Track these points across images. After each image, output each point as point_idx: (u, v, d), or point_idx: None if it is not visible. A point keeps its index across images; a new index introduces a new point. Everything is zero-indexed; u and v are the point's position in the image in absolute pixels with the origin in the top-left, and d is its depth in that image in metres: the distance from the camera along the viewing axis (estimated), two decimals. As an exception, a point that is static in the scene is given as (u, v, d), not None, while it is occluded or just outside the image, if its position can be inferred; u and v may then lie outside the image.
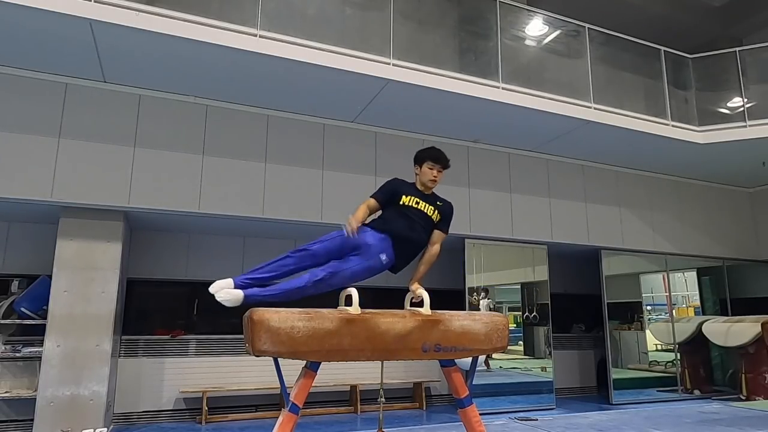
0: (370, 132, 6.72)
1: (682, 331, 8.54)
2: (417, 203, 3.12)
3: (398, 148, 6.66)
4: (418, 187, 3.22)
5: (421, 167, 3.23)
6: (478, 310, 7.20)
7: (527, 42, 7.34)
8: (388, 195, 3.14)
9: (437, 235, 3.18)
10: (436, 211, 3.16)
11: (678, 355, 8.58)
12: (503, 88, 6.24)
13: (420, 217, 3.11)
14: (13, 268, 6.05)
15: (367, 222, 3.06)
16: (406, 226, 3.05)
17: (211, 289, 2.71)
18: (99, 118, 5.47)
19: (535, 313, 8.00)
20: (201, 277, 6.93)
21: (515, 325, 8.25)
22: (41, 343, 5.27)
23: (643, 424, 5.53)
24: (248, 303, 2.71)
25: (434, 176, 3.19)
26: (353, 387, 7.08)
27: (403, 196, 3.12)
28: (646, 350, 8.94)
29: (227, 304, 2.70)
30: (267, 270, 2.84)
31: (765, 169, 8.35)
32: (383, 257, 2.98)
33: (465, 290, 7.15)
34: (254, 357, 2.60)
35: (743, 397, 7.69)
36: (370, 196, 3.14)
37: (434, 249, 3.17)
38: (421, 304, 2.97)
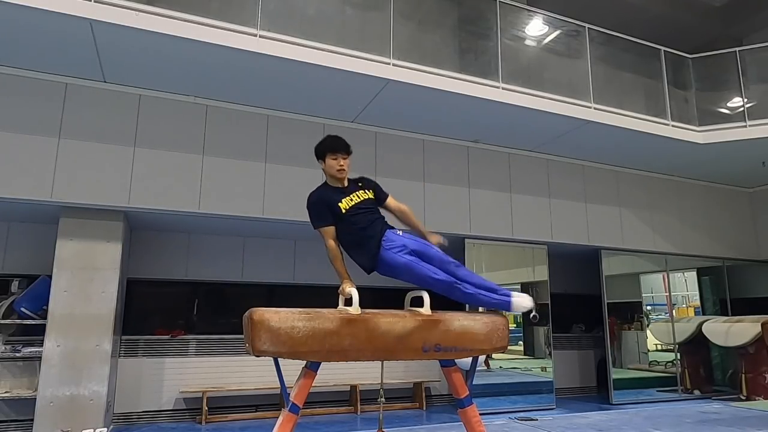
0: (370, 132, 6.71)
1: (682, 331, 8.53)
2: (352, 200, 2.96)
3: (398, 148, 6.66)
4: (332, 185, 3.02)
5: (324, 161, 3.02)
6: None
7: (527, 42, 7.33)
8: (329, 213, 2.93)
9: (388, 202, 3.14)
10: (366, 190, 3.05)
11: (678, 355, 8.58)
12: (503, 88, 6.23)
13: (365, 208, 2.99)
14: (13, 268, 6.05)
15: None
16: (370, 239, 2.92)
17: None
18: (99, 118, 5.47)
19: (534, 313, 7.99)
20: (201, 277, 6.94)
21: (515, 325, 8.25)
22: (41, 343, 5.27)
23: (643, 424, 5.53)
24: None
25: (340, 165, 2.98)
26: (353, 387, 7.08)
27: (336, 205, 2.92)
28: (646, 350, 8.94)
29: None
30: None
31: (765, 169, 8.35)
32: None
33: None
34: (254, 357, 2.60)
35: (743, 397, 7.69)
36: (320, 229, 2.94)
37: (400, 207, 3.16)
38: (421, 302, 2.97)
